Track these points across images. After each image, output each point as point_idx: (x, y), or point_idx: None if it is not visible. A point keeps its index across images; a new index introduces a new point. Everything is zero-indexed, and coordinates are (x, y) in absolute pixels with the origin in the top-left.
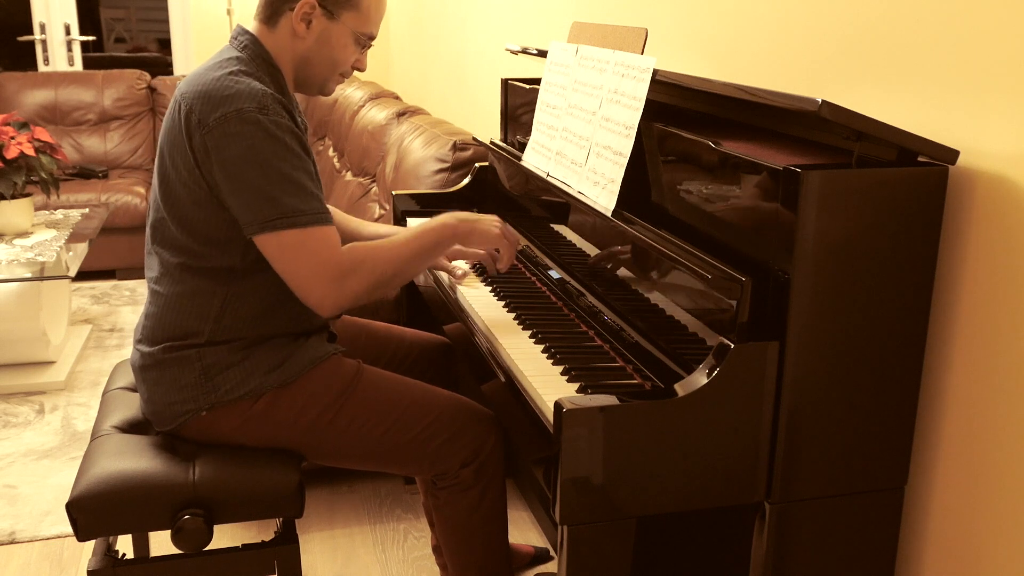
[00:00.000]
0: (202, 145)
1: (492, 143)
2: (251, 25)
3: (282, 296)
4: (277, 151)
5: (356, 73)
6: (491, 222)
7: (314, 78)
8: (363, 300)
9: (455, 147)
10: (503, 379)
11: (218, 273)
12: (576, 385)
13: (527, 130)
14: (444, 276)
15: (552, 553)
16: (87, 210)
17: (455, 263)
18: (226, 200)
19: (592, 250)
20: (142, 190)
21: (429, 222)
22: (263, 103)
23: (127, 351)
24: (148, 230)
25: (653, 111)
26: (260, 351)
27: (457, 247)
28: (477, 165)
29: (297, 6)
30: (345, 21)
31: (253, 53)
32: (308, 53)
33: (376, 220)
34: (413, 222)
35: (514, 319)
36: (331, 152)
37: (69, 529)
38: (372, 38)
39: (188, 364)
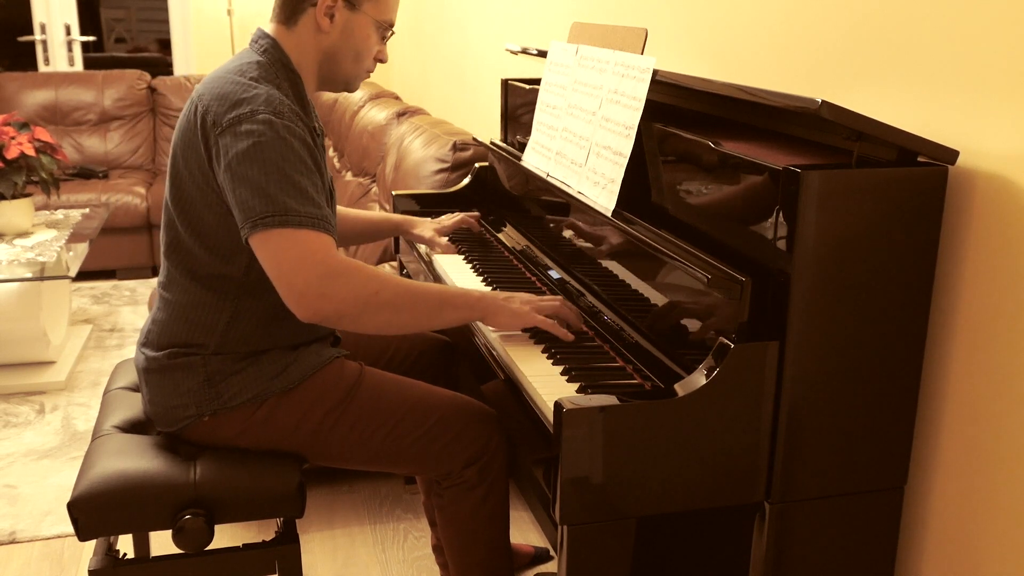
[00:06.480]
0: (215, 145)
1: (492, 143)
2: (269, 27)
3: (287, 311)
4: (283, 152)
5: None
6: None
7: (339, 74)
8: (347, 316)
9: (455, 147)
10: (503, 379)
11: (223, 285)
12: (576, 385)
13: (527, 130)
14: (440, 270)
15: (552, 553)
16: (87, 210)
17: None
18: (227, 200)
19: (592, 250)
20: (142, 190)
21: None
22: (279, 109)
23: (127, 351)
24: (161, 233)
25: (653, 111)
26: (263, 359)
27: (441, 223)
28: (477, 165)
29: (320, 0)
30: (367, 11)
31: (273, 58)
32: (333, 48)
33: None
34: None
35: None
36: (331, 152)
37: (70, 529)
38: (391, 26)
39: (192, 370)
